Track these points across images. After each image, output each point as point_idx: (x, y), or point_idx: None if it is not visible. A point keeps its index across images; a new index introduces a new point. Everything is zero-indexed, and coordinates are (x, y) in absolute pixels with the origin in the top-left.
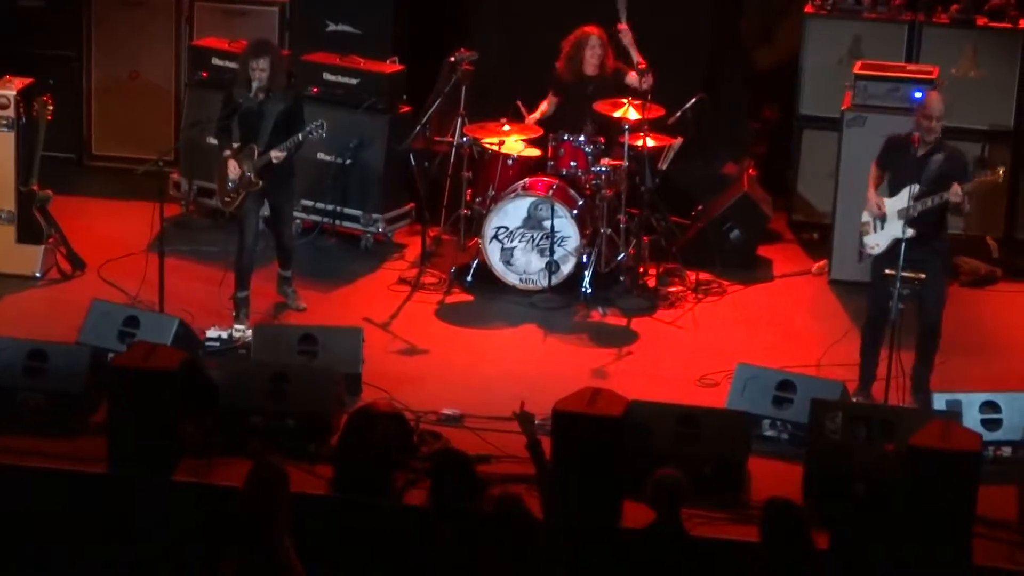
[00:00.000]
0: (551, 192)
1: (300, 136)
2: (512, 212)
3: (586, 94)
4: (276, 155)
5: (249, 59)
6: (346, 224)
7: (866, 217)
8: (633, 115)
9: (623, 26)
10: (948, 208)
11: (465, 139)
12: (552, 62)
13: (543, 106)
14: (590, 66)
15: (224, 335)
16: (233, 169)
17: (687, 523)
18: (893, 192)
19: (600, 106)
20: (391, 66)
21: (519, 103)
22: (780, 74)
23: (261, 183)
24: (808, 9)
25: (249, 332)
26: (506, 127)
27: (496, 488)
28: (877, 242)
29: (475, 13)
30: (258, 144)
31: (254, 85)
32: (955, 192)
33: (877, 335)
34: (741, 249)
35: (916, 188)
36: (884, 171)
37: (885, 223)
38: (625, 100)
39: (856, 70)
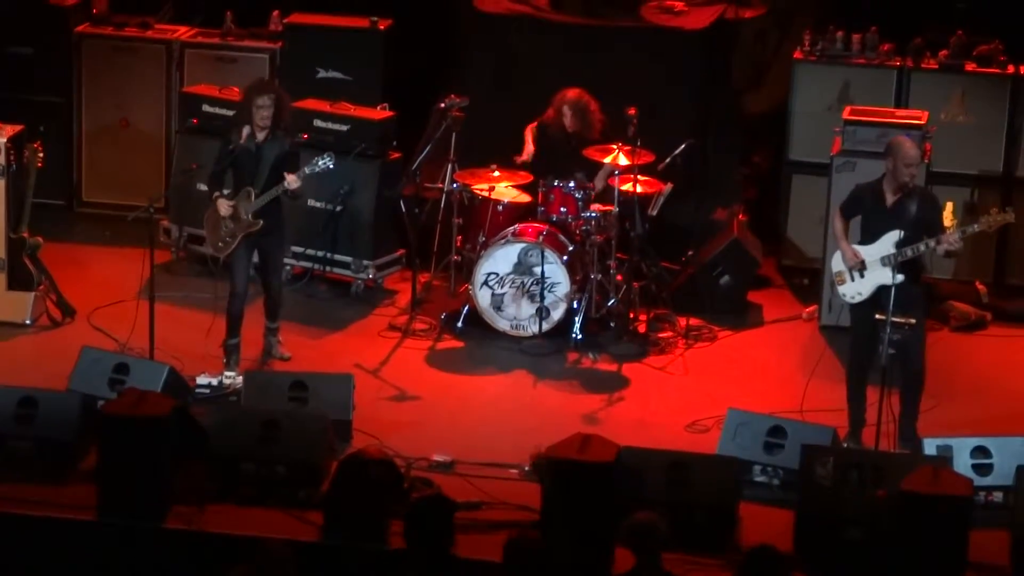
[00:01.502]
0: (541, 238)
1: (307, 169)
2: (502, 258)
3: (570, 147)
4: (291, 179)
5: (253, 97)
6: (336, 270)
7: (837, 267)
8: (623, 161)
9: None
10: (949, 255)
11: (455, 185)
12: (539, 107)
13: (529, 135)
14: (571, 125)
15: (214, 382)
16: (224, 207)
17: (677, 569)
18: (869, 240)
19: (590, 152)
20: (381, 112)
21: (515, 158)
22: (770, 120)
23: (260, 223)
24: (797, 55)
25: (239, 379)
26: (496, 173)
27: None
28: (858, 291)
29: (465, 59)
30: (254, 187)
31: (257, 122)
32: (954, 240)
33: (863, 380)
34: (731, 294)
35: (901, 234)
36: (849, 220)
37: (865, 271)
38: (615, 146)
39: (845, 115)
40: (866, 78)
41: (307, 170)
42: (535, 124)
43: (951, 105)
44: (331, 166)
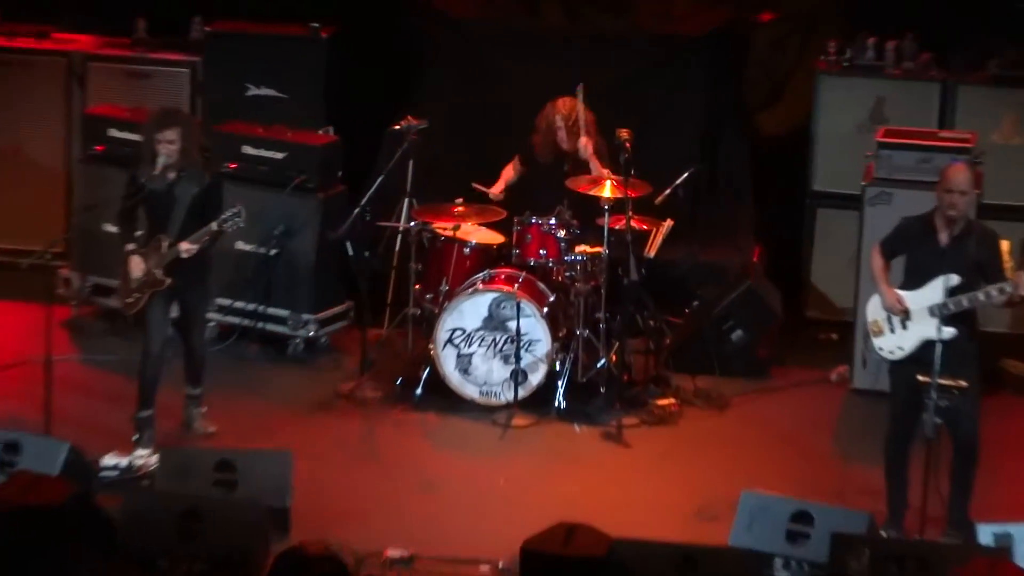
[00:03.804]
0: (516, 287)
1: (214, 226)
2: (470, 311)
3: (562, 172)
4: (186, 248)
5: (154, 131)
6: (271, 327)
7: (874, 315)
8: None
9: (585, 141)
10: (1011, 304)
11: (413, 224)
12: (515, 130)
13: (507, 172)
14: (565, 143)
15: (123, 463)
16: (136, 266)
17: None
18: (915, 284)
19: (574, 183)
20: (324, 137)
21: (476, 185)
22: (789, 143)
23: (169, 281)
24: (821, 65)
25: (154, 458)
26: (461, 209)
27: None
28: (899, 345)
29: (424, 75)
30: (168, 235)
31: (160, 161)
32: None
33: (903, 455)
34: (745, 352)
35: (954, 280)
36: (891, 260)
37: (908, 322)
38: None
39: (879, 138)
40: (903, 93)
41: (214, 227)
42: (515, 160)
43: (1005, 125)
44: (241, 224)
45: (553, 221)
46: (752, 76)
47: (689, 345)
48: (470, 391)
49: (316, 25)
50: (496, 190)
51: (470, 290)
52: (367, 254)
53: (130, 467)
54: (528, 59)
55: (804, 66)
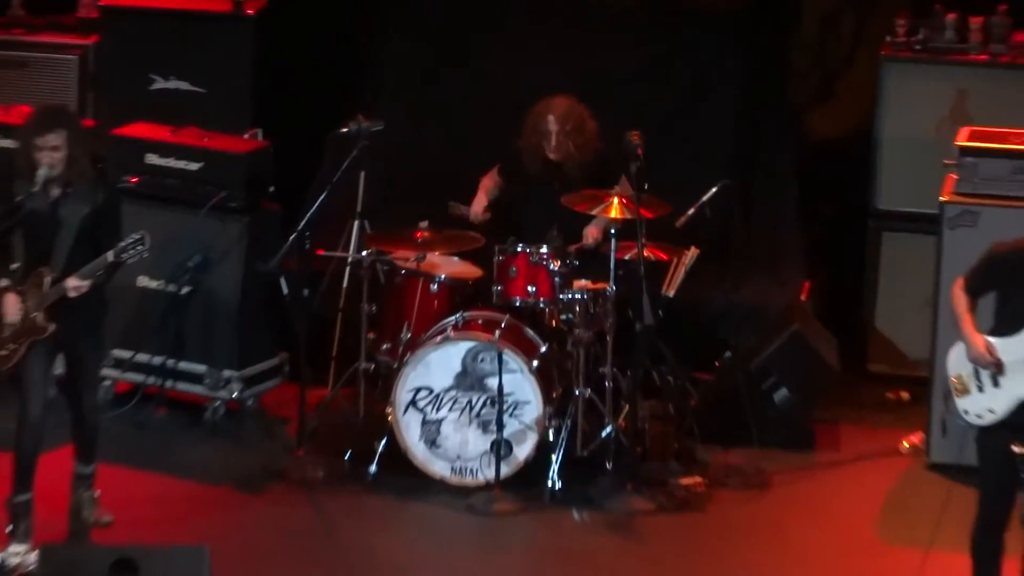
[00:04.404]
0: (498, 334)
1: (110, 256)
2: (438, 365)
3: (553, 188)
4: (74, 286)
5: (33, 135)
6: (183, 386)
7: (957, 369)
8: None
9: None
10: None
11: (365, 253)
12: (496, 135)
13: (487, 183)
14: (552, 153)
15: None
16: (12, 307)
17: None
18: (1009, 329)
19: (570, 200)
20: (250, 143)
21: (452, 205)
22: (845, 148)
23: (52, 327)
24: (886, 49)
25: (32, 556)
26: (427, 234)
27: None
28: (989, 407)
29: (380, 64)
30: (51, 268)
31: (41, 174)
32: None
33: (995, 546)
34: (791, 417)
35: None
36: (979, 297)
37: (1001, 377)
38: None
39: (961, 141)
40: (992, 84)
41: (109, 257)
42: (495, 171)
43: None
44: (145, 253)
45: (545, 249)
46: (799, 63)
47: (720, 408)
48: (439, 468)
49: None
50: (478, 208)
51: (439, 338)
52: (306, 292)
53: (2, 567)
54: (515, 43)
55: (865, 50)
